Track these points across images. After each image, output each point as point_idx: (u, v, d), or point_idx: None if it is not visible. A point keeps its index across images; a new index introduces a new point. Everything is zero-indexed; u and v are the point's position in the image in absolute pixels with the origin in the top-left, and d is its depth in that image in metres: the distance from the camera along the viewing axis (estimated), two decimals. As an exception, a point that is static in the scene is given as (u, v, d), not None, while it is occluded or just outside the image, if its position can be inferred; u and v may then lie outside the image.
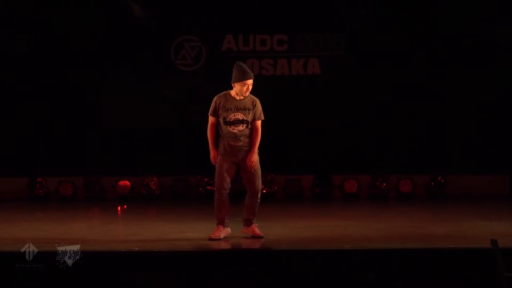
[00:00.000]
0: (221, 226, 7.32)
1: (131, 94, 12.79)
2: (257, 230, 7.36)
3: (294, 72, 12.84)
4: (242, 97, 7.24)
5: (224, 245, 6.91)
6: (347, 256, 6.22)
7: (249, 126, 7.26)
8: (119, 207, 11.31)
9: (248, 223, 7.39)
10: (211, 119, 7.31)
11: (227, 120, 7.22)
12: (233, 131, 7.20)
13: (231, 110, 7.20)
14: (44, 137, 12.55)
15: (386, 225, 8.34)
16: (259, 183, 7.32)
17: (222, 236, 7.28)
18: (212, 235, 7.25)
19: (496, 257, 5.77)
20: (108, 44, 12.69)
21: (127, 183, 12.60)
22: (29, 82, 12.60)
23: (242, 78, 7.15)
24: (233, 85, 7.25)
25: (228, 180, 7.28)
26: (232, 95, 7.25)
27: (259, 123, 7.29)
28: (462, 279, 5.98)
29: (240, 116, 7.21)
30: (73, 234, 7.61)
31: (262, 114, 7.33)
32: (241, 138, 7.22)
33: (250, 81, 7.19)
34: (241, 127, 7.23)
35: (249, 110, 7.23)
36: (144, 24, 12.72)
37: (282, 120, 12.12)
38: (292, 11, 12.67)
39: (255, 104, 7.28)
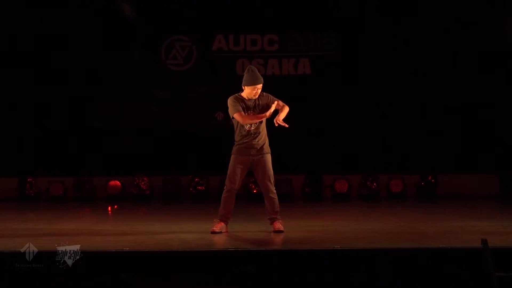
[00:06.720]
0: (223, 222, 7.58)
1: (122, 94, 12.80)
2: (277, 225, 7.59)
3: (285, 72, 12.85)
4: (252, 98, 7.54)
5: (215, 245, 6.90)
6: (338, 256, 6.21)
7: (261, 123, 7.54)
8: (109, 207, 11.29)
9: (271, 221, 7.65)
10: (239, 113, 7.43)
11: None
12: (248, 128, 7.49)
13: (245, 109, 7.49)
14: (34, 137, 12.52)
15: (377, 225, 8.35)
16: (270, 182, 7.56)
17: (222, 231, 7.52)
18: (214, 228, 7.51)
19: (486, 256, 5.78)
20: (99, 44, 12.67)
21: (118, 183, 12.59)
22: (19, 82, 12.57)
23: (253, 83, 7.46)
24: (243, 87, 7.53)
25: (239, 180, 7.56)
26: (244, 96, 7.54)
27: (279, 102, 7.60)
28: (452, 279, 5.98)
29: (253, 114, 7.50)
30: (64, 234, 7.58)
31: (274, 97, 7.61)
32: (255, 135, 7.51)
33: (260, 85, 7.51)
34: (255, 124, 7.50)
35: (262, 106, 7.52)
36: (135, 24, 12.70)
37: (273, 120, 12.10)
38: (283, 11, 12.69)
39: (268, 98, 7.58)
